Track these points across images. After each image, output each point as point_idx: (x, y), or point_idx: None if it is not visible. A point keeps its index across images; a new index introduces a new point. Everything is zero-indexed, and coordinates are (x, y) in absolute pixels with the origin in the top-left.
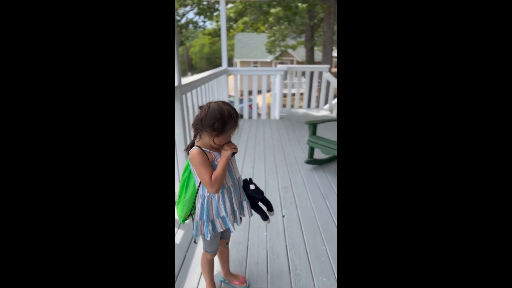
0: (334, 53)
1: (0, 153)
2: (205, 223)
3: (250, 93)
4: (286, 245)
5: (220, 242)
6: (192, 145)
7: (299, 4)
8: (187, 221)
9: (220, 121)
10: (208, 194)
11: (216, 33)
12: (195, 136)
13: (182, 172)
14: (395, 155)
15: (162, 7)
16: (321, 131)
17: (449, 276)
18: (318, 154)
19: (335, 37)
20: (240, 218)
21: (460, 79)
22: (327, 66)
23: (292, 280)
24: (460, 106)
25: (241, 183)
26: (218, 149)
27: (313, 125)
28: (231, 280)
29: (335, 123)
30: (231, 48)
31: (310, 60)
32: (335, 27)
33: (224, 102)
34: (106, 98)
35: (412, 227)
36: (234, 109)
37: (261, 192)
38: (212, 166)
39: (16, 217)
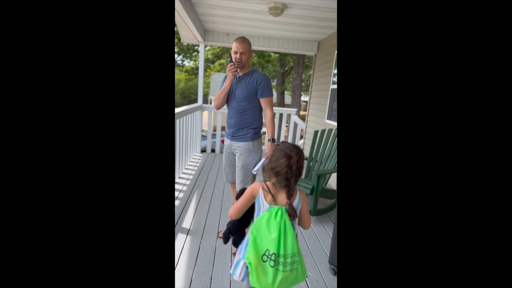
0: (302, 98)
1: (0, 153)
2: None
3: (222, 128)
4: None
5: None
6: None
7: (272, 54)
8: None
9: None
10: None
11: (193, 71)
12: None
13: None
14: (393, 160)
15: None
16: None
17: (448, 278)
18: None
19: (303, 84)
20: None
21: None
22: (295, 109)
23: None
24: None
25: None
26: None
27: None
28: None
29: None
30: (206, 85)
31: (280, 102)
32: (303, 76)
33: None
34: (111, 107)
35: (410, 233)
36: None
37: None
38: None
39: (14, 220)
